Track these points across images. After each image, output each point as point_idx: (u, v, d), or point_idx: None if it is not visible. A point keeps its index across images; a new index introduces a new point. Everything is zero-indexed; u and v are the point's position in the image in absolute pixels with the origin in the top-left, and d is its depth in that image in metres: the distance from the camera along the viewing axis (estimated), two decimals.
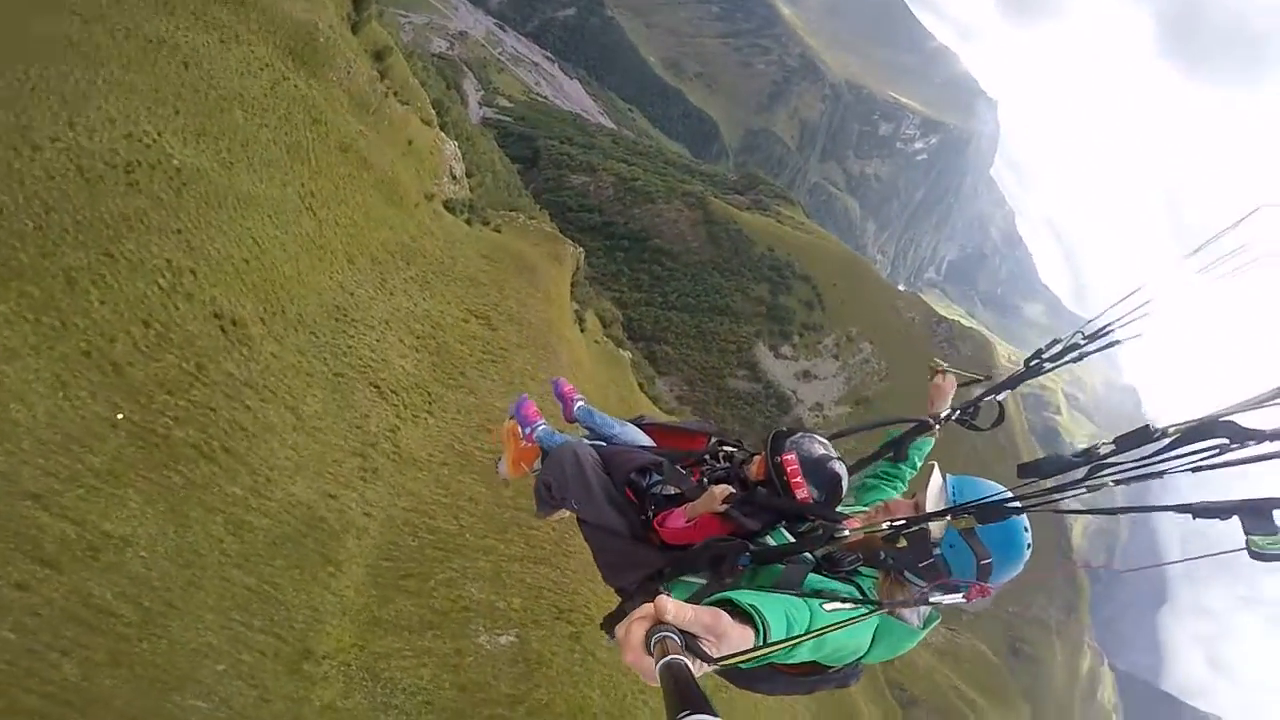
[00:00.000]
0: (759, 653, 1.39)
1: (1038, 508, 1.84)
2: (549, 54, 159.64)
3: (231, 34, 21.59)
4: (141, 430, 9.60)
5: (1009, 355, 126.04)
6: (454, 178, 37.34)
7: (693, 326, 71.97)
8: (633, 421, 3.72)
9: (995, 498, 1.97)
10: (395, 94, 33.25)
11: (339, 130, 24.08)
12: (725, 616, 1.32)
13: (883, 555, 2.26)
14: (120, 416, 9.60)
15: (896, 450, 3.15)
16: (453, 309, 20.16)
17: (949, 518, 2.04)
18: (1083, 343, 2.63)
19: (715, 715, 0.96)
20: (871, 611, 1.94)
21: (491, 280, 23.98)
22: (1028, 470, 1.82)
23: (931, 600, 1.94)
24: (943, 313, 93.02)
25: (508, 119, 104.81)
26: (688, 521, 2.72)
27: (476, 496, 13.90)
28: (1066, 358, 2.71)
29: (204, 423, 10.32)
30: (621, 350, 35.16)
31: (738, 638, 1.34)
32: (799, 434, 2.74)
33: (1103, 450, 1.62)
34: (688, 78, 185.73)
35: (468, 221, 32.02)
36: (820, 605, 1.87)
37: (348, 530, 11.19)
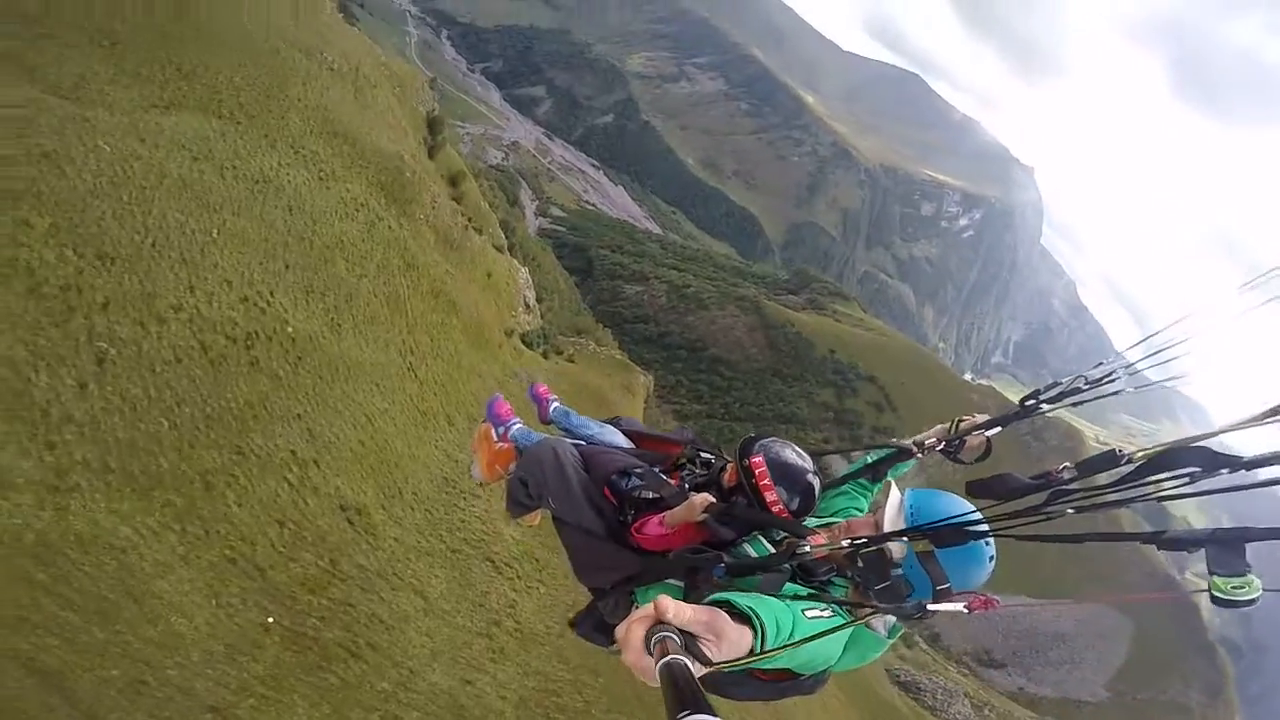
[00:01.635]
0: (761, 657, 1.40)
1: (999, 533, 1.74)
2: (594, 161, 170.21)
3: (328, 170, 21.93)
4: (293, 634, 9.69)
5: (1096, 437, 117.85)
6: (527, 306, 38.79)
7: None
8: (610, 423, 3.67)
9: (955, 520, 1.91)
10: (469, 221, 34.09)
11: (429, 274, 24.61)
12: (724, 616, 1.34)
13: (849, 572, 2.29)
14: (270, 620, 9.73)
15: (874, 474, 3.11)
16: None
17: (907, 538, 2.03)
18: (1085, 387, 2.59)
19: (715, 715, 0.98)
20: (853, 622, 1.94)
21: None
22: (979, 489, 1.72)
23: (930, 609, 1.86)
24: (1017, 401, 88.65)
25: (561, 229, 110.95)
26: (665, 529, 2.66)
27: (597, 669, 13.62)
28: (1065, 400, 2.66)
29: (347, 620, 10.41)
30: None
31: (736, 638, 1.37)
32: (771, 438, 2.73)
33: (1064, 475, 1.56)
34: (726, 176, 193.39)
35: (544, 355, 33.06)
36: (802, 612, 1.83)
37: (487, 716, 11.11)
